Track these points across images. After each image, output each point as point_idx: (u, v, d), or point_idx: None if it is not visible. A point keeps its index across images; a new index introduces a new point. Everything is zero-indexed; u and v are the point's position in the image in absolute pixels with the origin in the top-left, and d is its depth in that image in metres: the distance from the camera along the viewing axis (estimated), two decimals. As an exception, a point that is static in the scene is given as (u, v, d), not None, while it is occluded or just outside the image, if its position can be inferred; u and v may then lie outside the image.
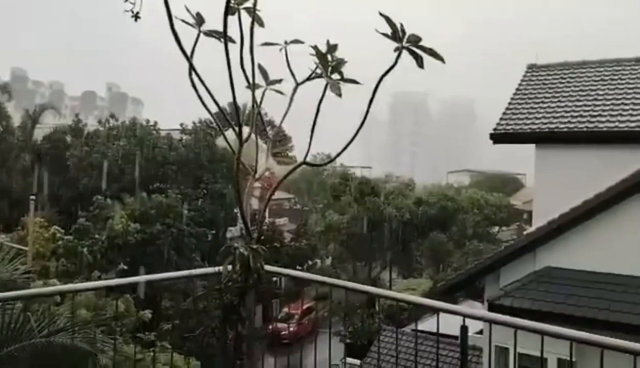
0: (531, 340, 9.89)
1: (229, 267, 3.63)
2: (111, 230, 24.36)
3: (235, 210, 32.55)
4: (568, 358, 9.54)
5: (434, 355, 15.83)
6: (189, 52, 3.41)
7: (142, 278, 5.04)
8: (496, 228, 45.95)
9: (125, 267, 23.20)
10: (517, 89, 13.08)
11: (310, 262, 38.52)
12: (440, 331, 15.54)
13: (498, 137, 12.04)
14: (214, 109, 3.60)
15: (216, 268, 3.75)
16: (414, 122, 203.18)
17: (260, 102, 3.68)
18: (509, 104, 12.61)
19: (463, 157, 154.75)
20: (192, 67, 3.42)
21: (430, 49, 3.29)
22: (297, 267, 36.52)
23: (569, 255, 10.60)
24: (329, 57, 3.34)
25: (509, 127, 11.93)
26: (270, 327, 28.86)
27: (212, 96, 3.50)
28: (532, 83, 13.20)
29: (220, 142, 31.28)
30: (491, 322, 3.52)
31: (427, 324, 23.22)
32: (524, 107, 12.43)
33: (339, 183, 36.46)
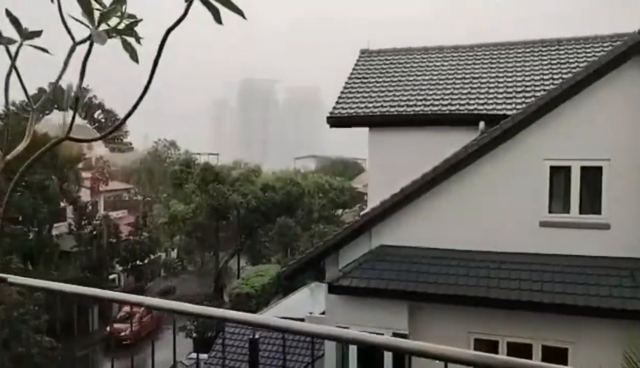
0: (368, 318, 9.97)
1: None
2: None
3: (62, 204, 29.35)
4: (403, 332, 9.80)
5: (278, 339, 15.71)
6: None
7: None
8: (340, 211, 48.00)
9: None
10: (351, 74, 13.30)
11: (152, 256, 36.43)
12: (287, 314, 15.31)
13: (334, 121, 12.11)
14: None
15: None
16: (263, 109, 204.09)
17: (13, 61, 2.78)
18: (344, 88, 12.76)
19: (310, 144, 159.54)
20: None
21: (228, 1, 2.67)
22: (138, 262, 34.26)
23: (400, 233, 11.02)
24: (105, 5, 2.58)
25: (343, 111, 12.05)
26: (108, 328, 26.64)
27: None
28: (364, 68, 13.52)
29: (43, 126, 27.87)
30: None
31: (277, 310, 23.24)
32: (357, 92, 12.66)
33: (180, 170, 34.71)
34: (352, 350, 10.84)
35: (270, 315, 21.33)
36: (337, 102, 12.33)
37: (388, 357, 10.57)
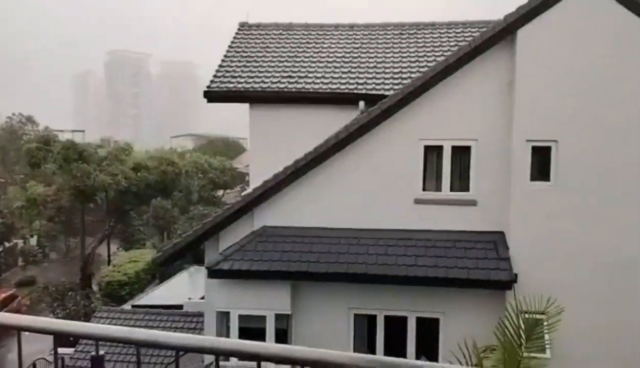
0: (251, 301, 9.67)
1: None
2: None
3: None
4: (286, 313, 9.65)
5: (157, 328, 14.87)
6: None
7: None
8: (221, 192, 46.88)
9: None
10: (230, 47, 12.74)
11: (7, 244, 32.64)
12: (163, 302, 14.37)
13: (212, 96, 11.51)
14: None
15: None
16: (134, 84, 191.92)
17: None
18: (222, 61, 12.18)
19: (188, 122, 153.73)
20: None
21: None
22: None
23: (283, 213, 10.85)
24: None
25: (222, 85, 11.50)
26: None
27: None
28: (244, 42, 13.02)
29: None
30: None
31: (152, 297, 22.11)
32: (237, 66, 12.15)
33: (37, 148, 31.22)
34: (234, 332, 10.53)
35: (146, 302, 20.26)
36: (215, 76, 11.72)
37: (270, 336, 10.42)
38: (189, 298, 17.26)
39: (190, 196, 40.04)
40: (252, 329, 10.55)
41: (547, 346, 8.47)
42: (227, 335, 10.56)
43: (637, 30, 9.60)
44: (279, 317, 10.45)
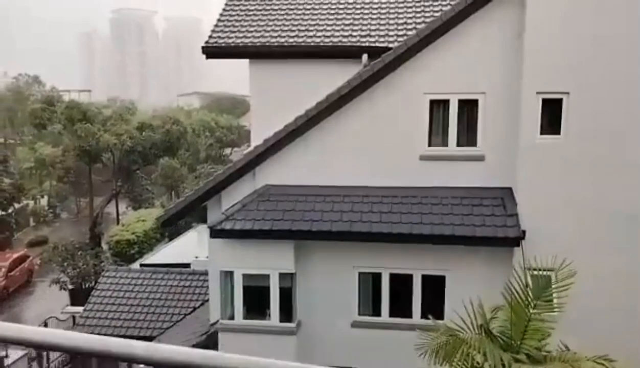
0: (254, 260, 9.60)
1: None
2: None
3: None
4: (290, 272, 9.59)
5: (164, 287, 15.04)
6: None
7: None
8: (229, 150, 46.76)
9: None
10: (229, 1, 12.24)
11: (17, 205, 32.91)
12: (172, 260, 14.33)
13: (211, 51, 11.14)
14: None
15: None
16: (140, 42, 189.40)
17: None
18: (220, 16, 11.73)
19: (194, 79, 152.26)
20: None
21: None
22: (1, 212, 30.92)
23: (286, 171, 10.66)
24: None
25: (221, 41, 11.10)
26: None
27: None
28: (243, -6, 12.50)
29: None
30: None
31: (161, 255, 22.29)
32: (236, 20, 11.70)
33: (41, 109, 30.91)
34: (238, 291, 10.53)
35: (154, 261, 20.42)
36: (214, 31, 11.31)
37: (275, 295, 10.42)
38: (196, 257, 17.33)
39: (198, 155, 39.98)
40: (256, 288, 10.54)
41: (556, 304, 8.33)
42: (232, 295, 10.58)
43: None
44: (283, 276, 10.40)
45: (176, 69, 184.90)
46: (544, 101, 9.56)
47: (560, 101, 9.54)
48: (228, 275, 10.62)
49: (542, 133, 9.65)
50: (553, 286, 7.43)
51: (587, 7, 9.22)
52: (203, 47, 11.08)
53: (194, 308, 14.58)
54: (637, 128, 9.34)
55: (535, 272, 7.69)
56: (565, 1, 9.26)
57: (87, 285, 22.70)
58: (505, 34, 9.79)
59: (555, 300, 7.62)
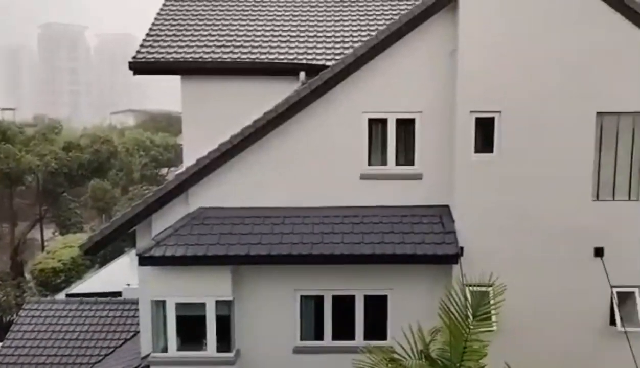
0: (188, 288, 9.05)
1: None
2: None
3: None
4: (227, 299, 9.12)
5: (92, 319, 14.05)
6: None
7: None
8: (165, 170, 45.36)
9: None
10: (159, 15, 11.77)
11: None
12: (102, 289, 13.41)
13: (139, 67, 10.59)
14: None
15: None
16: (70, 58, 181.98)
17: None
18: (150, 30, 11.23)
19: (129, 97, 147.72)
20: None
21: None
22: None
23: (222, 193, 10.22)
24: None
25: (149, 56, 10.58)
26: None
27: None
28: (174, 9, 12.06)
29: None
30: None
31: (90, 283, 21.04)
32: (166, 35, 11.24)
33: (-51, 129, 28.71)
34: (171, 321, 9.92)
35: (83, 289, 19.21)
36: (142, 46, 10.77)
37: (211, 323, 9.89)
38: (128, 285, 16.41)
39: (132, 175, 38.46)
40: (191, 317, 9.96)
41: (494, 320, 8.33)
42: (164, 325, 9.95)
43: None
44: (220, 304, 9.89)
45: (110, 86, 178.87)
46: (478, 120, 9.67)
47: (492, 119, 9.69)
48: (160, 304, 9.99)
49: (476, 151, 9.75)
50: (490, 302, 7.42)
51: (519, 28, 9.45)
52: (130, 63, 10.52)
53: (125, 340, 13.70)
54: (570, 147, 9.61)
55: (472, 289, 7.66)
56: (497, 21, 9.45)
57: (7, 319, 20.99)
58: (440, 52, 9.88)
59: (493, 318, 7.62)
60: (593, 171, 9.73)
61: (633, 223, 9.72)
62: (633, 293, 9.83)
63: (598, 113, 9.62)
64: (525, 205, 9.70)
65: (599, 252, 9.74)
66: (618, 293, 9.78)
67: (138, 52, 10.68)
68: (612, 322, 9.74)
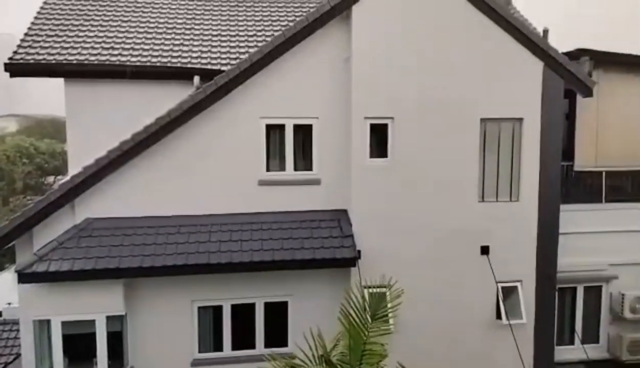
0: (76, 305, 8.39)
1: None
2: None
3: None
4: (119, 314, 8.54)
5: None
6: None
7: None
8: (52, 178, 42.21)
9: None
10: (39, 13, 10.91)
11: None
12: None
13: (15, 69, 9.73)
14: None
15: None
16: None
17: None
18: (29, 29, 10.37)
19: (10, 100, 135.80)
20: None
21: None
22: None
23: (111, 202, 9.65)
24: None
25: (28, 57, 9.77)
26: None
27: None
28: (57, 7, 11.24)
29: None
30: None
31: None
32: (47, 35, 10.43)
33: None
34: (57, 341, 9.18)
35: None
36: (20, 46, 9.91)
37: (102, 341, 9.28)
38: (9, 304, 15.00)
39: (14, 184, 35.37)
40: (79, 335, 9.28)
41: (390, 321, 8.58)
42: (49, 346, 9.19)
43: (466, 13, 9.99)
44: (111, 319, 9.32)
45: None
46: (372, 126, 9.97)
47: (386, 126, 10.03)
48: (44, 324, 9.21)
49: (371, 156, 10.04)
50: (387, 303, 7.62)
51: (411, 35, 9.85)
52: (6, 64, 9.64)
53: (6, 364, 12.50)
54: (456, 150, 10.17)
55: (371, 290, 7.83)
56: (390, 28, 9.80)
57: None
58: (336, 59, 10.06)
59: (390, 320, 7.84)
60: (478, 174, 10.37)
61: (515, 222, 10.49)
62: (516, 287, 10.59)
63: (482, 119, 10.28)
64: (418, 208, 10.13)
65: (485, 250, 10.40)
66: (502, 288, 10.49)
67: (15, 52, 9.81)
68: (498, 316, 10.43)
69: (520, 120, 10.42)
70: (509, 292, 10.61)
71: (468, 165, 10.29)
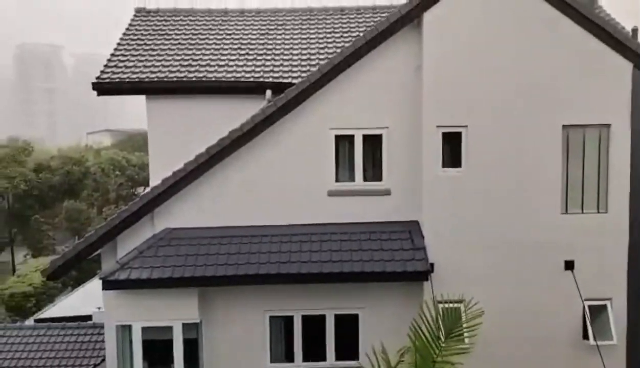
0: (154, 312, 8.79)
1: None
2: None
3: None
4: (194, 321, 8.85)
5: (60, 344, 13.60)
6: None
7: None
8: (141, 189, 44.84)
9: None
10: (124, 35, 11.65)
11: None
12: (74, 312, 12.96)
13: (102, 88, 10.43)
14: None
15: None
16: (47, 78, 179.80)
17: None
18: (115, 50, 11.09)
19: (106, 116, 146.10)
20: None
21: None
22: None
23: (188, 213, 10.05)
24: None
25: (114, 76, 10.44)
26: None
27: None
28: (140, 29, 11.96)
29: None
30: None
31: (61, 307, 20.45)
32: (132, 55, 11.11)
33: None
34: (137, 346, 9.64)
35: (54, 313, 18.66)
36: (107, 66, 10.63)
37: (178, 347, 9.64)
38: (98, 308, 15.93)
39: (108, 195, 37.88)
40: (158, 341, 9.70)
41: (466, 340, 8.21)
42: (131, 350, 9.66)
43: (545, 13, 9.51)
44: (187, 327, 9.65)
45: (86, 105, 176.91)
46: (444, 134, 9.69)
47: (459, 134, 9.71)
48: (126, 329, 9.71)
49: (444, 166, 9.75)
50: (462, 320, 7.28)
51: (484, 41, 9.52)
52: (94, 84, 10.36)
53: (94, 366, 13.28)
54: (534, 161, 9.65)
55: (445, 306, 7.53)
56: (461, 34, 9.52)
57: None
58: (406, 67, 9.91)
59: (465, 335, 7.49)
60: (561, 184, 9.77)
61: (603, 235, 9.76)
62: (605, 306, 9.82)
63: (564, 126, 9.70)
64: (495, 219, 9.70)
65: (569, 265, 9.75)
66: (590, 306, 9.76)
67: (102, 72, 10.54)
68: (585, 336, 9.72)
69: (608, 126, 9.71)
70: (597, 311, 9.85)
71: (549, 175, 9.73)
